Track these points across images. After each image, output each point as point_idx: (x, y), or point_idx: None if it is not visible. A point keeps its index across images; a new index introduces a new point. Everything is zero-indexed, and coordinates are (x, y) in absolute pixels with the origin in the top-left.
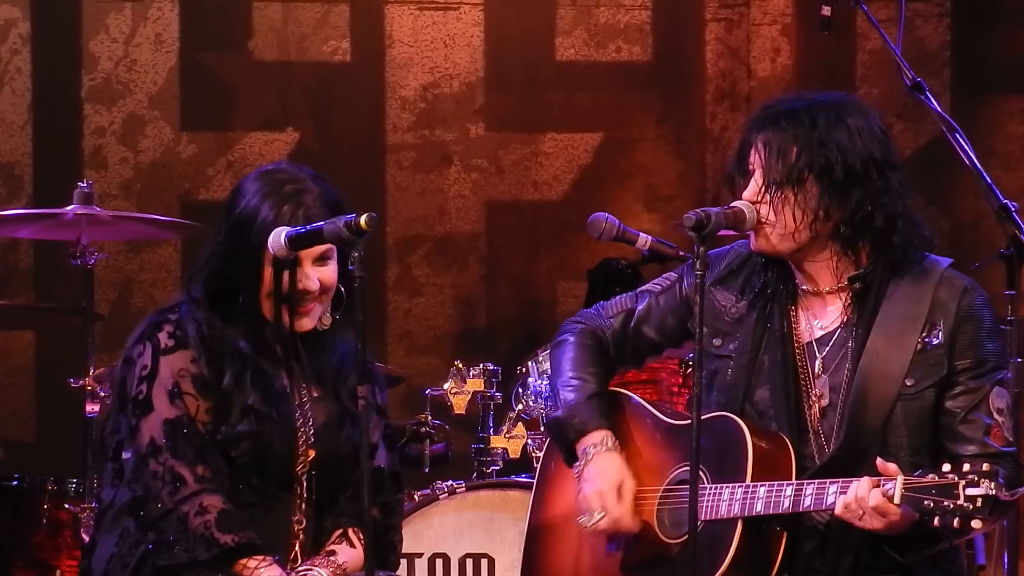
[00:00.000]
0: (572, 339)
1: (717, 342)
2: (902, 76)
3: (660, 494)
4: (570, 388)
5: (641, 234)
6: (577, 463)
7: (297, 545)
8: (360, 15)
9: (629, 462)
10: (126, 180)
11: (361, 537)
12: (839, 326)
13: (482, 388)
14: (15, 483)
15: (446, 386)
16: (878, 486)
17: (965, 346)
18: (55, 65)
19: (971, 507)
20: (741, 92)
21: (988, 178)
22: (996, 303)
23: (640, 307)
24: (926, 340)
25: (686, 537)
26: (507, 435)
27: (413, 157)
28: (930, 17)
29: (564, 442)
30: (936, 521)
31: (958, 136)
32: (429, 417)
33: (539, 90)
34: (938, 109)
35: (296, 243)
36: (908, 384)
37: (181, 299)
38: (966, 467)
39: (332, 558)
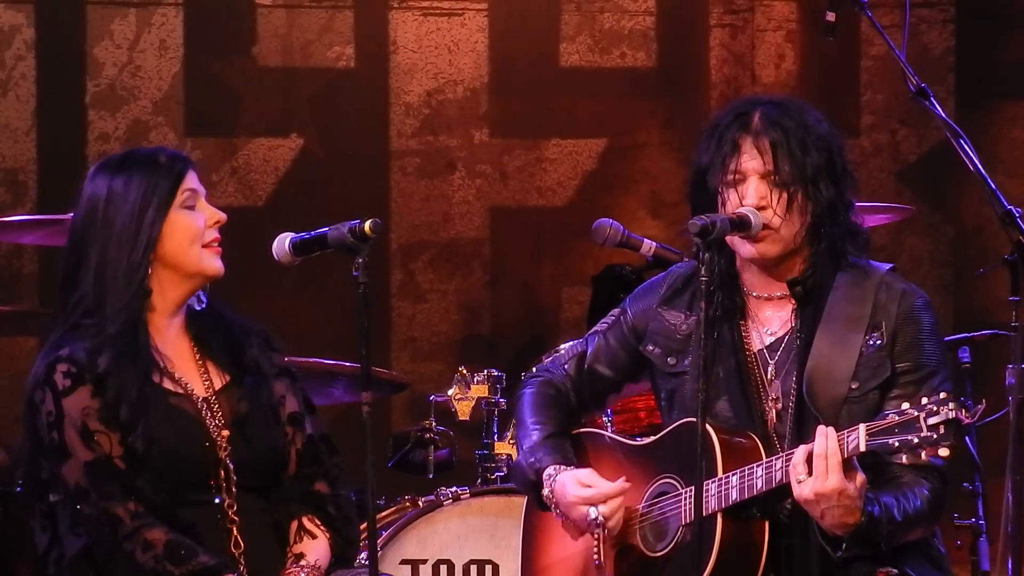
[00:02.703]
0: (529, 391)
1: (671, 360)
2: (906, 82)
3: (640, 514)
4: (528, 435)
5: (645, 240)
6: (553, 511)
7: (235, 530)
8: (364, 21)
9: None
10: None
11: (318, 523)
12: (788, 331)
13: (486, 394)
14: (19, 489)
15: (450, 392)
16: (842, 439)
17: (905, 348)
18: (59, 71)
19: (935, 435)
20: None
21: (992, 184)
22: (1000, 309)
23: (591, 349)
24: (869, 343)
25: (672, 545)
26: (511, 441)
27: (417, 163)
28: (935, 23)
29: (528, 484)
30: (905, 459)
31: (962, 142)
32: (433, 423)
33: (543, 96)
34: (942, 115)
35: (300, 249)
36: (853, 387)
37: (64, 327)
38: (924, 400)
39: (303, 561)
